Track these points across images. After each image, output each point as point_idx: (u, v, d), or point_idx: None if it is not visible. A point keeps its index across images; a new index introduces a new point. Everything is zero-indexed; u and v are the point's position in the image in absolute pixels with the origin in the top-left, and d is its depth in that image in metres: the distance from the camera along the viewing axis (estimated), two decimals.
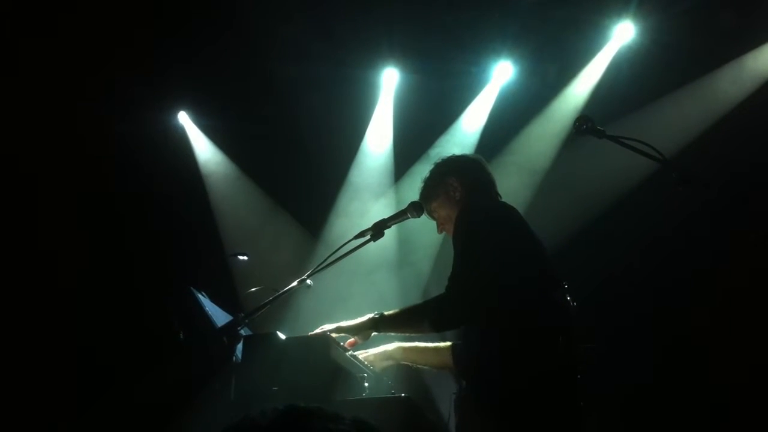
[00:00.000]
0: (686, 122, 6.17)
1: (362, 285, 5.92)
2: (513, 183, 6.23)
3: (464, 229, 3.06)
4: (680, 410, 5.56)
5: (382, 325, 3.16)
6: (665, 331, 5.71)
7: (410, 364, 3.48)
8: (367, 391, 3.15)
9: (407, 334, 3.35)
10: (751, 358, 5.33)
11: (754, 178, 5.55)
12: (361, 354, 3.37)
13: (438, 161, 3.48)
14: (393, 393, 3.23)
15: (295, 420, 1.27)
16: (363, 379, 3.16)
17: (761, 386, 5.30)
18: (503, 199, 3.38)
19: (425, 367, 3.54)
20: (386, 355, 3.41)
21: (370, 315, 3.18)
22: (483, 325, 2.93)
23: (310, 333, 3.16)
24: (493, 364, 2.85)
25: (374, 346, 3.44)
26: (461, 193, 3.31)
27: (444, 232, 3.43)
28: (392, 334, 3.32)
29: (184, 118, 7.15)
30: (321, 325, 3.22)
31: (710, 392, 5.51)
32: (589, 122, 2.80)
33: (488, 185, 3.39)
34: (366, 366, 3.26)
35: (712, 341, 5.51)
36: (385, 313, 3.18)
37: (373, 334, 3.23)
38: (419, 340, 3.47)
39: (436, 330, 3.13)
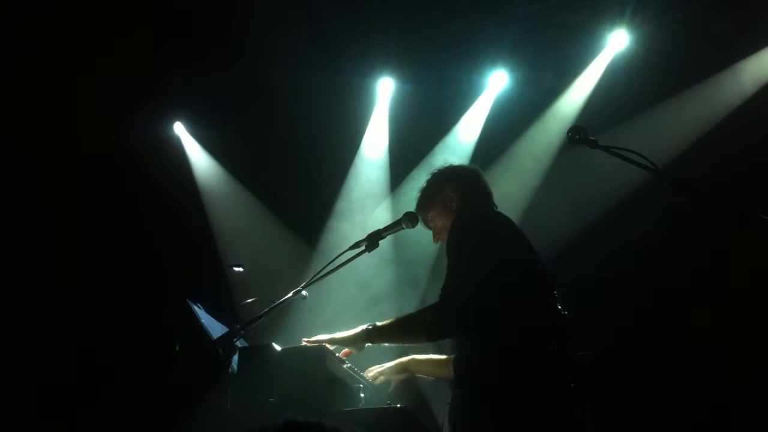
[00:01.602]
0: (682, 129, 6.18)
1: (358, 296, 5.92)
2: (508, 191, 6.24)
3: (456, 239, 3.06)
4: (681, 411, 5.56)
5: (376, 336, 3.15)
6: (665, 333, 5.71)
7: (424, 376, 3.48)
8: (364, 402, 3.16)
9: (404, 345, 3.35)
10: (752, 359, 5.34)
11: (751, 183, 5.56)
12: (377, 368, 3.38)
13: (434, 171, 3.47)
14: (389, 403, 3.22)
15: None
16: (359, 390, 3.17)
17: (762, 386, 5.30)
18: (499, 208, 3.38)
19: (432, 378, 3.54)
20: (401, 368, 3.41)
21: (364, 326, 3.17)
22: (476, 332, 2.92)
23: (304, 341, 3.16)
24: (487, 370, 2.85)
25: (370, 356, 3.44)
26: (457, 203, 3.31)
27: (441, 242, 3.42)
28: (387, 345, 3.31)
29: (179, 129, 7.16)
30: (315, 335, 3.21)
31: (711, 392, 5.51)
32: (581, 133, 2.80)
33: (484, 195, 3.38)
34: (362, 377, 3.26)
35: (712, 342, 5.51)
36: (378, 324, 3.16)
37: (367, 345, 3.23)
38: (432, 353, 3.47)
39: (431, 339, 3.11)
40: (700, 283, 5.66)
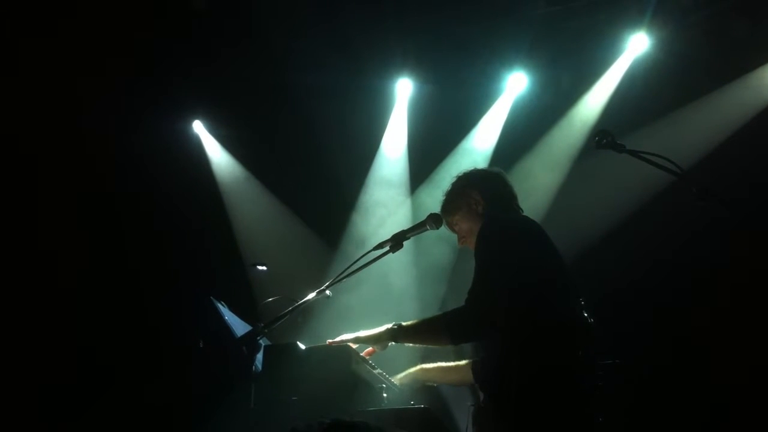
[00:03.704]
0: (702, 134, 6.13)
1: (380, 295, 5.92)
2: (528, 193, 6.21)
3: (483, 244, 3.08)
4: (681, 410, 5.55)
5: (400, 335, 3.18)
6: (666, 332, 5.70)
7: (433, 383, 3.56)
8: (386, 402, 3.18)
9: (425, 346, 3.37)
10: (752, 359, 5.32)
11: None
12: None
13: (460, 174, 3.50)
14: (412, 404, 3.24)
15: None
16: (382, 389, 3.18)
17: (761, 387, 5.29)
18: (524, 212, 3.40)
19: (446, 385, 3.60)
20: (412, 377, 3.48)
21: (389, 325, 3.20)
22: (501, 337, 2.94)
23: (328, 342, 3.19)
24: (512, 376, 2.85)
25: (390, 356, 3.47)
26: (483, 206, 3.33)
27: (465, 245, 3.44)
28: (409, 344, 3.33)
29: (198, 127, 7.20)
30: (340, 334, 3.24)
31: (711, 392, 5.50)
32: (609, 137, 2.81)
33: (509, 198, 3.41)
34: (385, 377, 3.28)
35: (713, 342, 5.50)
36: (404, 324, 3.19)
37: (391, 343, 3.25)
38: (440, 360, 3.53)
39: (454, 342, 3.15)
40: (718, 286, 5.64)
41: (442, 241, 5.95)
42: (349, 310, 5.12)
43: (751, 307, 5.51)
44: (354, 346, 3.21)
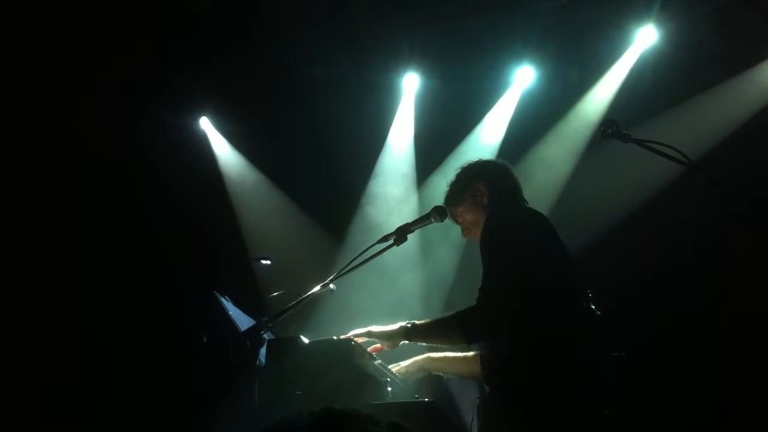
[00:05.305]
0: (710, 127, 6.09)
1: (385, 288, 5.90)
2: (534, 188, 6.18)
3: (491, 238, 3.05)
4: (681, 411, 5.51)
5: (413, 334, 3.15)
6: (667, 332, 5.66)
7: (440, 374, 3.50)
8: (391, 396, 3.16)
9: (437, 345, 3.34)
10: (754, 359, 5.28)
11: None
12: (394, 367, 3.38)
13: (464, 165, 3.47)
14: (417, 397, 3.22)
15: (332, 421, 1.28)
16: (386, 383, 3.17)
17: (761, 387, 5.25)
18: (529, 204, 3.37)
19: (452, 377, 3.56)
20: (418, 366, 3.42)
21: (402, 323, 3.17)
22: (508, 335, 2.91)
23: (337, 337, 3.17)
24: (519, 369, 2.85)
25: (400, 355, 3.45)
26: (488, 198, 3.30)
27: (469, 237, 3.42)
28: (421, 344, 3.31)
29: (205, 123, 7.20)
30: (351, 329, 3.22)
31: (711, 393, 5.47)
32: (614, 126, 2.79)
33: (515, 190, 3.38)
34: (389, 371, 3.26)
35: (715, 342, 5.47)
36: (417, 322, 3.16)
37: (403, 342, 3.22)
38: (448, 350, 3.47)
39: (468, 342, 3.11)
40: (724, 283, 5.59)
41: (448, 240, 5.96)
42: (354, 310, 5.11)
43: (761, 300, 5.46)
44: (361, 340, 3.19)
